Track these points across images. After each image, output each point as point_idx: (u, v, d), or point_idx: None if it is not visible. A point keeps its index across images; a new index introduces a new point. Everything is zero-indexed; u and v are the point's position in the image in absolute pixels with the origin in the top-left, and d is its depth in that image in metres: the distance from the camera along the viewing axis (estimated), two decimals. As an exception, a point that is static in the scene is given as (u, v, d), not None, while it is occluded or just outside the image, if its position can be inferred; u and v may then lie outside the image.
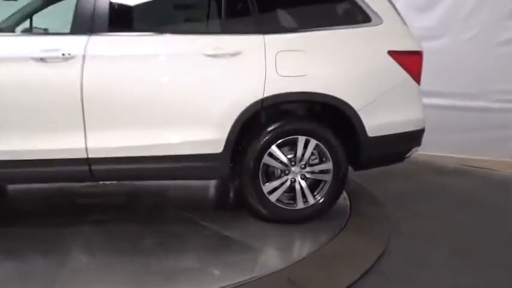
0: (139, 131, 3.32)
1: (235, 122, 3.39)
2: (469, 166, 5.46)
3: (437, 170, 5.29)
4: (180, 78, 3.34)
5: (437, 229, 3.74)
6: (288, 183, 3.59)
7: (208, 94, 3.36)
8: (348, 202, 4.09)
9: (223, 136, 3.39)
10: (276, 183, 3.57)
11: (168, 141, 3.35)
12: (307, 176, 3.60)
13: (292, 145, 3.62)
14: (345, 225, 3.67)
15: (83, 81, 3.23)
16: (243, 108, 3.37)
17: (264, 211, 3.57)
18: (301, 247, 3.41)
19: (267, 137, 3.47)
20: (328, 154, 3.56)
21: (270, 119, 3.62)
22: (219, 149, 3.40)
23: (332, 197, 3.64)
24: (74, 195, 4.14)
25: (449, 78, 5.62)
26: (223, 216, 3.77)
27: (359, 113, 3.52)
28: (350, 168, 3.73)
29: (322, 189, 3.65)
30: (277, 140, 3.50)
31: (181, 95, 3.33)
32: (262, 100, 3.38)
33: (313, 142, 3.53)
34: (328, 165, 3.58)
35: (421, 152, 4.01)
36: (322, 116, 3.73)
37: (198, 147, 3.38)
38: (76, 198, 4.09)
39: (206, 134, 3.37)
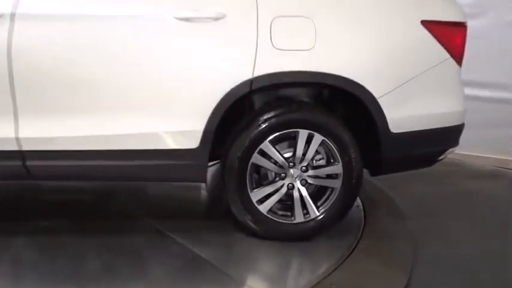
0: (86, 117, 2.44)
1: (216, 109, 2.52)
2: (509, 169, 4.45)
3: (471, 173, 4.31)
4: (141, 50, 2.47)
5: (473, 251, 2.86)
6: (284, 189, 2.74)
7: (179, 71, 2.48)
8: (361, 212, 3.16)
9: (200, 127, 2.52)
10: (268, 190, 2.72)
11: (125, 132, 2.49)
12: (310, 181, 2.73)
13: (291, 141, 2.73)
14: (356, 245, 2.84)
15: (12, 50, 2.34)
16: (226, 91, 2.48)
17: (251, 224, 2.70)
18: (298, 277, 2.58)
19: (257, 130, 2.60)
20: (338, 154, 2.65)
21: (262, 106, 2.71)
22: (193, 143, 2.53)
23: (341, 209, 2.79)
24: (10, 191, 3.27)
25: (488, 66, 4.57)
26: (201, 228, 2.95)
27: (380, 101, 2.65)
28: (365, 172, 2.85)
29: (328, 198, 2.79)
30: (271, 134, 2.63)
31: (142, 71, 2.47)
32: (251, 81, 2.47)
33: (318, 138, 2.65)
34: (337, 169, 2.68)
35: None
36: (332, 105, 2.78)
37: (166, 141, 2.52)
38: (13, 196, 3.22)
39: (176, 123, 2.51)
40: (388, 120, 2.68)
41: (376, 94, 2.63)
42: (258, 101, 2.85)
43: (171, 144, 2.58)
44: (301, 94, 2.93)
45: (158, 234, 2.81)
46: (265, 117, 2.64)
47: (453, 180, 4.10)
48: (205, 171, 2.66)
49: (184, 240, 2.72)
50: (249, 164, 2.67)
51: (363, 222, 3.12)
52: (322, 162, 2.78)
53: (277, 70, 2.55)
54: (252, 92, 2.58)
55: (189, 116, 2.55)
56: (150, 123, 2.53)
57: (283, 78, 2.56)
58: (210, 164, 2.88)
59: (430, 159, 2.95)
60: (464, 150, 3.71)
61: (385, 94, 2.65)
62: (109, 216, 3.07)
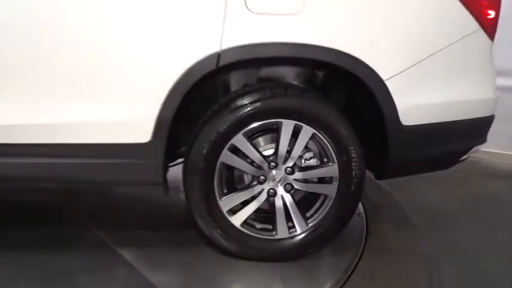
0: (3, 101, 1.77)
1: (172, 91, 1.90)
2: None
3: (491, 173, 3.62)
4: (70, 13, 1.78)
5: (499, 271, 2.24)
6: (263, 197, 2.13)
7: (119, 41, 1.83)
8: (363, 221, 2.49)
9: (151, 115, 1.90)
10: (242, 197, 2.13)
11: (53, 121, 1.79)
12: (296, 186, 2.06)
13: (272, 135, 2.11)
14: (355, 266, 2.23)
15: None
16: (185, 68, 1.85)
17: (221, 240, 2.04)
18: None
19: (228, 120, 1.95)
20: (333, 152, 2.01)
21: (236, 90, 2.04)
22: (144, 136, 1.90)
23: (336, 222, 2.18)
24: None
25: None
26: (162, 242, 2.32)
27: (388, 84, 2.02)
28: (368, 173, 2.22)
29: (319, 209, 2.17)
30: (247, 125, 2.01)
31: (73, 42, 1.85)
32: (218, 56, 1.83)
33: (307, 131, 2.05)
34: (332, 171, 2.04)
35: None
36: (328, 91, 2.10)
37: (107, 133, 1.86)
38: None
39: (119, 110, 1.86)
40: (398, 109, 2.02)
41: (383, 75, 1.96)
42: (234, 83, 2.17)
43: (114, 137, 1.92)
44: (289, 76, 2.24)
45: (104, 251, 2.16)
46: (238, 103, 1.96)
47: (470, 181, 3.41)
48: (160, 173, 1.99)
49: (137, 259, 2.09)
50: (217, 163, 2.00)
51: (365, 234, 2.45)
52: (313, 162, 2.11)
53: (252, 41, 1.89)
54: (221, 71, 1.91)
55: (135, 101, 1.89)
56: (88, 110, 1.87)
57: (260, 52, 1.90)
58: (171, 164, 2.21)
59: (450, 160, 2.28)
60: (483, 146, 3.01)
61: (396, 75, 1.98)
62: (55, 225, 2.45)
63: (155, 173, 2.03)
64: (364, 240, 2.45)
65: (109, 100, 1.90)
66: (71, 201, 2.69)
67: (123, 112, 1.92)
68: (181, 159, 2.22)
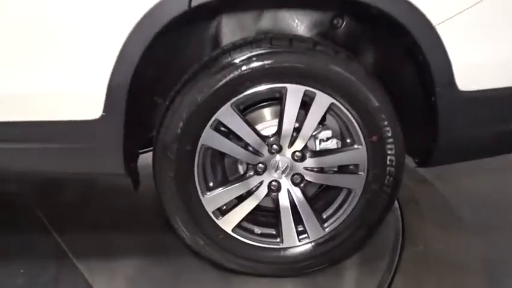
0: None
1: (126, 47, 1.34)
2: None
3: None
4: None
5: None
6: (263, 192, 1.49)
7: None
8: (398, 223, 1.81)
9: (99, 80, 1.33)
10: (232, 192, 1.51)
11: None
12: (308, 178, 1.41)
13: (273, 108, 1.52)
14: (390, 282, 1.62)
15: None
16: (141, 13, 1.28)
17: (207, 250, 1.39)
18: None
19: (211, 86, 1.36)
20: (360, 130, 1.34)
21: (227, 44, 1.45)
22: (92, 111, 1.28)
23: (362, 226, 1.57)
24: None
25: None
26: (132, 251, 1.76)
27: (440, 31, 1.36)
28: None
29: (340, 208, 1.56)
30: (237, 94, 1.41)
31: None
32: None
33: (322, 100, 1.44)
34: (358, 156, 1.44)
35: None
36: (352, 46, 1.52)
37: (41, 108, 1.21)
38: None
39: (53, 75, 1.21)
40: (453, 68, 1.33)
41: (432, 17, 1.25)
42: (226, 37, 1.52)
43: (52, 113, 1.29)
44: (299, 27, 1.57)
45: (59, 262, 1.56)
46: (224, 61, 1.31)
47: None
48: (120, 160, 1.37)
49: (94, 269, 1.50)
50: (198, 147, 1.36)
51: (400, 240, 1.77)
52: (332, 144, 1.45)
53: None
54: (201, 16, 1.25)
55: (74, 61, 1.25)
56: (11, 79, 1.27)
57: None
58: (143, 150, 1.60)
59: None
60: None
61: (450, 18, 1.27)
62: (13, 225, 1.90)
63: (113, 161, 1.42)
64: (399, 248, 1.77)
65: (39, 64, 1.29)
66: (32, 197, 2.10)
67: (61, 79, 1.30)
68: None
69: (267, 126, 1.53)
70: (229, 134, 1.48)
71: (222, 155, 1.56)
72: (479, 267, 1.74)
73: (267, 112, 1.54)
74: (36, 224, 1.89)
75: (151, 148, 1.51)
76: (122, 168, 1.47)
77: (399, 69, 1.58)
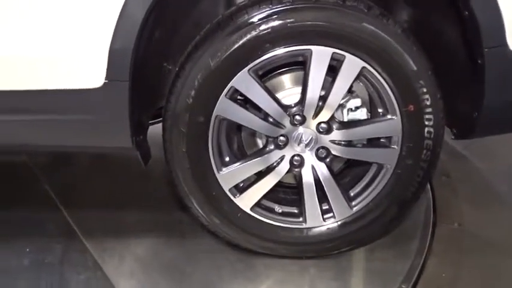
0: None
1: (130, 2, 0.96)
2: None
3: None
4: None
5: None
6: (285, 168, 1.29)
7: None
8: (429, 201, 1.62)
9: (101, 44, 1.06)
10: (250, 168, 1.32)
11: None
12: (335, 152, 1.20)
13: (296, 73, 1.28)
14: (419, 275, 1.43)
15: None
16: None
17: (224, 230, 1.23)
18: None
19: (226, 48, 1.15)
20: (394, 98, 1.11)
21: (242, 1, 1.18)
22: (94, 79, 1.12)
23: (393, 205, 1.36)
24: None
25: None
26: (139, 232, 1.60)
27: None
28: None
29: (370, 185, 1.38)
30: (256, 58, 1.19)
31: None
32: None
33: (353, 63, 1.21)
34: (392, 127, 1.19)
35: None
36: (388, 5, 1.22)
37: (38, 76, 1.04)
38: None
39: (49, 37, 1.00)
40: (506, 26, 1.06)
41: None
42: None
43: (47, 81, 1.11)
44: None
45: (67, 241, 1.41)
46: (240, 20, 1.09)
47: None
48: (127, 132, 1.19)
49: (106, 261, 1.33)
50: (212, 118, 1.16)
51: (432, 216, 1.57)
52: (361, 114, 1.24)
53: None
54: None
55: (71, 22, 1.06)
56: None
57: None
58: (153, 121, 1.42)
59: None
60: None
61: None
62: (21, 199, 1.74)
63: (119, 133, 1.23)
64: (431, 226, 1.58)
65: (32, 25, 1.10)
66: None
67: (57, 42, 1.11)
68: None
69: (289, 94, 1.34)
70: (247, 104, 1.27)
71: (239, 127, 1.36)
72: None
73: (288, 78, 1.34)
74: (44, 198, 1.74)
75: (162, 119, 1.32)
76: (129, 141, 1.28)
77: (438, 27, 1.34)
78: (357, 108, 1.35)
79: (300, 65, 1.27)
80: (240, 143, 1.40)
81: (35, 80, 1.19)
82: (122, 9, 1.13)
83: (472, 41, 1.23)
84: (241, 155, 1.39)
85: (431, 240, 1.56)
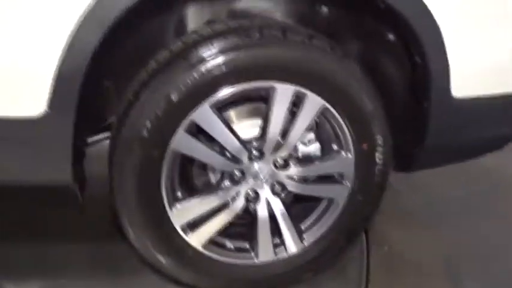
0: None
1: (83, 28, 0.79)
2: None
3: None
4: None
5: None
6: (240, 203, 1.18)
7: None
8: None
9: (45, 67, 0.81)
10: (205, 204, 1.24)
11: None
12: (290, 188, 1.12)
13: (252, 105, 1.26)
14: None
15: None
16: None
17: (173, 269, 1.11)
18: None
19: (188, 80, 1.04)
20: (350, 135, 1.07)
21: (201, 27, 1.10)
22: (35, 107, 0.86)
23: (340, 236, 1.41)
24: None
25: None
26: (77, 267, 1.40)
27: (442, 27, 1.18)
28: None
29: (320, 219, 1.34)
30: (217, 91, 1.04)
31: None
32: None
33: (314, 102, 1.20)
34: (345, 164, 1.15)
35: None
36: (334, 37, 1.20)
37: None
38: None
39: None
40: (451, 73, 1.13)
41: (434, 8, 1.07)
42: (192, 18, 1.20)
43: None
44: (277, 12, 1.30)
45: None
46: (204, 52, 1.00)
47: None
48: (68, 166, 1.02)
49: None
50: (167, 152, 1.05)
51: (365, 244, 1.63)
52: (314, 148, 1.22)
53: None
54: None
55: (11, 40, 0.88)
56: None
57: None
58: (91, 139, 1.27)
59: (497, 145, 1.48)
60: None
61: (455, 17, 1.10)
62: None
63: (56, 168, 1.06)
64: (366, 252, 1.63)
65: None
66: None
67: None
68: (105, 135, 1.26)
69: (245, 126, 1.27)
70: (201, 136, 1.20)
71: (190, 160, 1.27)
72: (440, 266, 1.66)
73: (244, 110, 1.27)
74: None
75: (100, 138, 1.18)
76: (68, 176, 1.12)
77: (388, 68, 1.39)
78: (309, 142, 1.33)
79: (257, 98, 1.23)
80: (191, 177, 1.31)
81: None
82: (77, 32, 0.98)
83: (420, 85, 1.28)
84: (193, 190, 1.30)
85: (368, 267, 1.61)
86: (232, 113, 1.27)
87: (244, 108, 1.29)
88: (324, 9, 1.38)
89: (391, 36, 1.37)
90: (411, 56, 1.28)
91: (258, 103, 1.27)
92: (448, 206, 2.03)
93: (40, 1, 0.97)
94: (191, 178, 1.31)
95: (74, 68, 1.01)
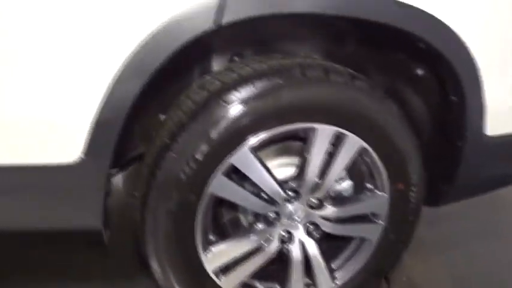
0: None
1: (124, 75, 0.80)
2: None
3: None
4: None
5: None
6: (274, 246, 1.17)
7: None
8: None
9: (82, 116, 0.76)
10: (238, 247, 1.19)
11: None
12: (325, 228, 1.14)
13: (287, 145, 1.24)
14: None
15: None
16: (147, 34, 0.85)
17: None
18: None
19: (231, 122, 0.98)
20: (386, 176, 1.06)
21: (229, 66, 1.12)
22: (70, 154, 0.86)
23: (371, 276, 1.38)
24: None
25: None
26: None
27: (480, 65, 1.16)
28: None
29: (351, 258, 1.32)
30: (259, 134, 1.06)
31: None
32: (222, 7, 0.76)
33: (353, 142, 1.18)
34: (380, 203, 1.10)
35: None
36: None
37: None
38: None
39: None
40: (487, 112, 1.12)
41: (473, 47, 1.12)
42: (219, 56, 1.16)
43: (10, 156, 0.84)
44: (300, 45, 1.27)
45: None
46: (248, 90, 0.96)
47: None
48: (99, 212, 0.94)
49: None
50: (204, 196, 1.00)
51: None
52: (346, 186, 1.18)
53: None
54: (217, 33, 0.87)
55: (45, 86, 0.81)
56: None
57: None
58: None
59: None
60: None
61: (495, 59, 1.09)
62: None
63: (89, 214, 0.99)
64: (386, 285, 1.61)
65: None
66: None
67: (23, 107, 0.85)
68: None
69: (280, 165, 1.22)
70: (235, 178, 1.15)
71: (220, 201, 1.22)
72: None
73: (280, 149, 1.22)
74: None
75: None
76: (99, 220, 1.06)
77: (414, 105, 1.36)
78: (341, 179, 1.30)
79: (300, 139, 1.18)
80: (220, 218, 1.26)
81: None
82: (121, 74, 0.92)
83: (454, 123, 1.26)
84: (224, 232, 1.24)
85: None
86: (263, 152, 1.22)
87: (275, 146, 1.24)
88: (352, 46, 1.34)
89: (419, 71, 1.35)
90: (445, 95, 1.25)
91: (288, 140, 1.22)
92: (465, 235, 2.01)
93: (81, 51, 0.91)
94: (221, 218, 1.25)
95: (113, 116, 0.95)
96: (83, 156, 0.98)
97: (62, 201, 1.01)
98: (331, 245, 1.35)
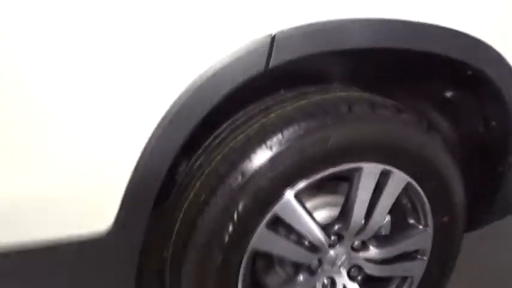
0: None
1: (162, 129, 0.67)
2: None
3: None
4: None
5: None
6: None
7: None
8: None
9: (113, 180, 0.59)
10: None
11: None
12: (368, 270, 0.96)
13: (328, 186, 1.11)
14: None
15: None
16: (190, 83, 0.78)
17: None
18: None
19: (275, 167, 0.89)
20: (430, 211, 0.92)
21: (268, 104, 1.01)
22: (101, 221, 0.66)
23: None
24: None
25: None
26: None
27: None
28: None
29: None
30: (304, 178, 0.92)
31: None
32: (272, 46, 0.73)
33: (399, 178, 1.08)
34: (424, 239, 0.99)
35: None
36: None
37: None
38: None
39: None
40: None
41: None
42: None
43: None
44: (327, 70, 1.16)
45: None
46: (292, 132, 0.84)
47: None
48: (131, 281, 0.79)
49: None
50: (247, 253, 0.87)
51: None
52: (385, 224, 1.08)
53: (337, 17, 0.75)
54: (269, 75, 0.75)
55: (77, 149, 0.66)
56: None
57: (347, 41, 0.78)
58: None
59: None
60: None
61: None
62: None
63: (120, 285, 0.84)
64: None
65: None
66: None
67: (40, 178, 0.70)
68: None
69: (314, 207, 1.11)
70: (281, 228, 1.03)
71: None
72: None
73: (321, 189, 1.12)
74: None
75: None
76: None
77: (444, 129, 1.29)
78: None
79: (344, 179, 1.08)
80: (255, 272, 1.14)
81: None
82: (159, 124, 0.79)
83: (497, 149, 1.19)
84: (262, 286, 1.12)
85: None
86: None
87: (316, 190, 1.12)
88: (389, 74, 1.25)
89: (448, 94, 1.27)
90: (484, 119, 1.18)
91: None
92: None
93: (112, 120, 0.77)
94: (256, 272, 1.13)
95: (149, 179, 0.81)
96: (114, 223, 0.83)
97: (92, 274, 0.86)
98: (374, 285, 1.25)
